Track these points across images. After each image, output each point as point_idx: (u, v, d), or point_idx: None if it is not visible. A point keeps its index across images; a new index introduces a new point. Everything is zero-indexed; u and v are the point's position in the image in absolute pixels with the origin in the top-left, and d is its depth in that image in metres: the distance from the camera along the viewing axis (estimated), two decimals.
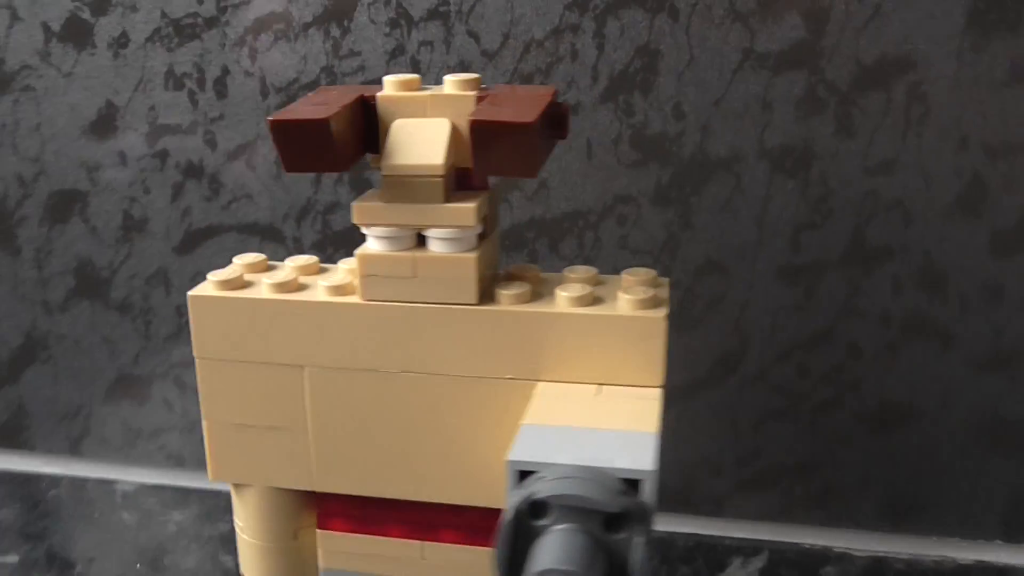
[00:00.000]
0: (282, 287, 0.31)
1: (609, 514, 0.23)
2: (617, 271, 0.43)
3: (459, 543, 0.32)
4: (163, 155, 0.50)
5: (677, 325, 0.48)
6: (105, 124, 0.50)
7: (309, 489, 0.32)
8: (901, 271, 0.46)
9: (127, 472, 0.56)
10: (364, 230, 0.30)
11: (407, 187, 0.28)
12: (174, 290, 0.52)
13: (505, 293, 0.29)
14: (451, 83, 0.30)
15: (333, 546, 0.33)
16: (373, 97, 0.30)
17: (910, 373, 0.47)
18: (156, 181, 0.51)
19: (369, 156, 0.31)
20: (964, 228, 0.45)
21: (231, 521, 0.50)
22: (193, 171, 0.50)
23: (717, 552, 0.48)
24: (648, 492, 0.24)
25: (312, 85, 0.48)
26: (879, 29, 0.43)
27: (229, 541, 0.48)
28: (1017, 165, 0.44)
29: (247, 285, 0.31)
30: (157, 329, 0.53)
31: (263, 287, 0.31)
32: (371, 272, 0.29)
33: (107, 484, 0.55)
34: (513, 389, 0.30)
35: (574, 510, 0.23)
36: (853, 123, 0.44)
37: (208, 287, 0.31)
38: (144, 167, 0.51)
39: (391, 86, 0.30)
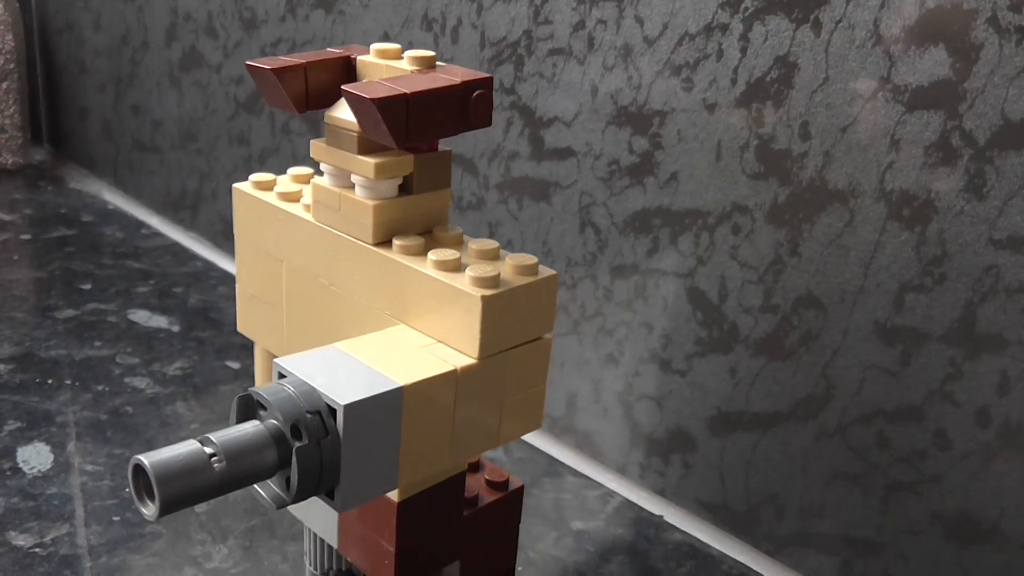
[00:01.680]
0: (284, 196, 0.39)
1: (293, 424, 0.28)
2: (723, 280, 0.45)
3: None
4: None
5: (769, 352, 0.46)
6: None
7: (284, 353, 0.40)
8: (1012, 369, 0.39)
9: None
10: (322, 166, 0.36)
11: (337, 136, 0.34)
12: None
13: (397, 243, 0.34)
14: (407, 58, 0.34)
15: None
16: (355, 59, 0.36)
17: (1001, 487, 0.40)
18: None
19: None
20: None
21: None
22: None
23: None
24: (341, 422, 0.28)
25: (515, 45, 0.53)
26: None
27: None
28: None
29: (272, 188, 0.40)
30: None
31: (275, 190, 0.39)
32: (317, 199, 0.36)
33: None
34: (389, 323, 0.34)
35: (277, 411, 0.28)
36: (986, 183, 0.38)
37: (247, 184, 0.40)
38: None
39: (373, 52, 0.35)
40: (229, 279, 0.75)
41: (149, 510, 0.27)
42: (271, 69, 0.33)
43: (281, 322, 0.39)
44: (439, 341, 0.33)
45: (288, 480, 0.28)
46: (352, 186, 0.35)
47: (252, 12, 0.71)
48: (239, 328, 0.42)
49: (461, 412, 0.32)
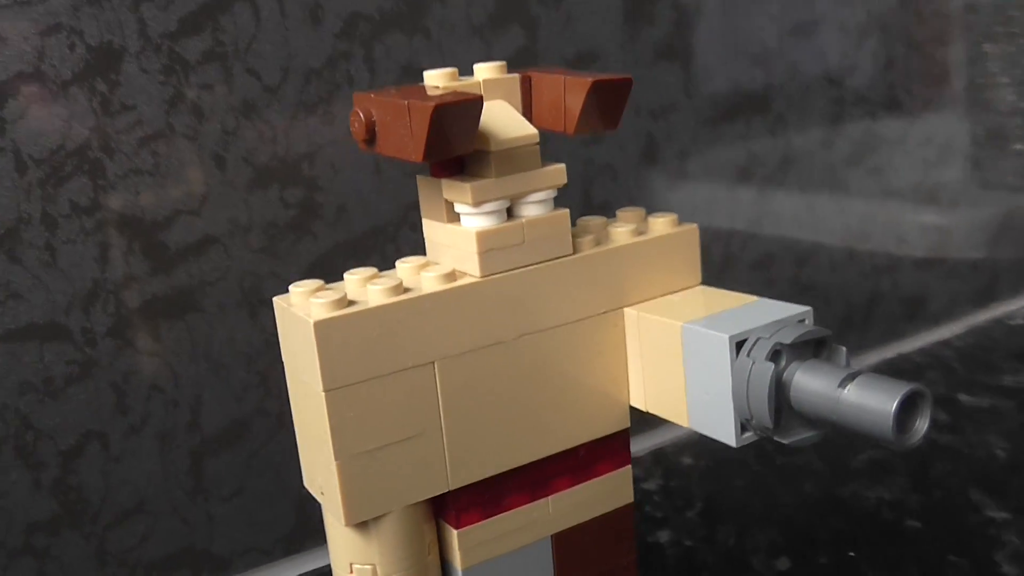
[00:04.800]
0: (395, 290, 0.30)
1: (817, 341, 0.30)
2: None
3: (575, 484, 0.35)
4: None
5: None
6: None
7: (445, 491, 0.32)
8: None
9: None
10: (466, 211, 0.31)
11: (512, 159, 0.31)
12: None
13: (582, 240, 0.34)
14: (490, 70, 0.33)
15: (472, 540, 0.33)
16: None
17: None
18: None
19: None
20: (647, 171, 0.59)
21: None
22: None
23: None
24: (812, 323, 0.31)
25: (82, 149, 0.42)
26: (572, 32, 0.54)
27: None
28: (671, 122, 0.59)
29: (352, 302, 0.30)
30: None
31: (373, 296, 0.30)
32: (489, 247, 0.31)
33: None
34: (605, 321, 0.34)
35: (795, 349, 0.30)
36: None
37: (323, 311, 0.29)
38: None
39: (440, 79, 0.32)
40: None
41: (919, 430, 0.27)
42: (481, 97, 0.29)
43: (438, 446, 0.33)
44: (664, 294, 0.35)
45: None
46: (510, 216, 0.33)
47: None
48: (350, 520, 0.31)
49: None
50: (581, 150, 0.56)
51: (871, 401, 0.27)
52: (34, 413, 0.43)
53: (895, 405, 0.27)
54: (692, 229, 0.36)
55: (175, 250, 0.45)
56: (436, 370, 0.31)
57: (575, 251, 0.33)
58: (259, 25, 0.45)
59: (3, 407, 0.42)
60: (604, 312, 0.34)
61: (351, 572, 0.32)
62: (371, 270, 0.32)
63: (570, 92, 0.31)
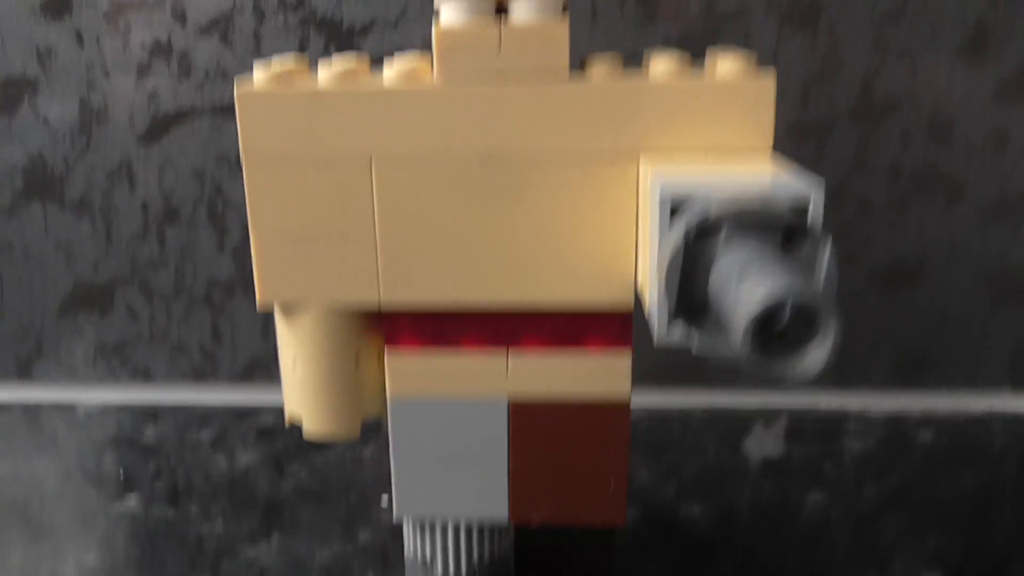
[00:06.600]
0: (345, 79, 0.28)
1: (786, 231, 0.21)
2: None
3: (548, 348, 0.29)
4: (125, 33, 0.46)
5: None
6: (58, 2, 0.45)
7: (375, 303, 0.29)
8: (909, 123, 0.46)
9: (88, 392, 0.51)
10: (441, 4, 0.27)
11: None
12: (139, 184, 0.48)
13: (597, 68, 0.27)
14: None
15: (404, 366, 0.30)
16: None
17: (918, 226, 0.47)
18: (117, 63, 0.46)
19: None
20: (969, 76, 0.45)
21: (212, 431, 0.46)
22: (160, 50, 0.46)
23: (738, 420, 0.47)
24: (817, 214, 0.22)
25: None
26: None
27: (216, 447, 0.44)
28: (1020, 10, 0.44)
29: (292, 80, 0.28)
30: (120, 229, 0.49)
31: (321, 79, 0.28)
32: (452, 47, 0.27)
33: (65, 408, 0.50)
34: (610, 169, 0.27)
35: (748, 229, 0.21)
36: None
37: (253, 85, 0.28)
38: (103, 47, 0.46)
39: None
40: None
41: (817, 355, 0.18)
42: None
43: (370, 253, 0.29)
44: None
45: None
46: (497, 15, 0.27)
47: None
48: (263, 297, 0.30)
49: None
50: (872, 28, 0.45)
51: (741, 298, 0.19)
52: (226, 184, 0.48)
53: (762, 295, 0.18)
54: (765, 86, 0.27)
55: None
56: (373, 172, 0.28)
57: (578, 77, 0.27)
58: None
59: (202, 171, 0.47)
60: (609, 159, 0.27)
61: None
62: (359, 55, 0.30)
63: None
